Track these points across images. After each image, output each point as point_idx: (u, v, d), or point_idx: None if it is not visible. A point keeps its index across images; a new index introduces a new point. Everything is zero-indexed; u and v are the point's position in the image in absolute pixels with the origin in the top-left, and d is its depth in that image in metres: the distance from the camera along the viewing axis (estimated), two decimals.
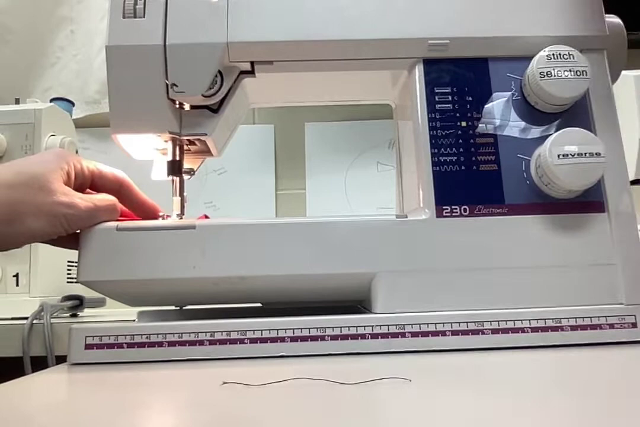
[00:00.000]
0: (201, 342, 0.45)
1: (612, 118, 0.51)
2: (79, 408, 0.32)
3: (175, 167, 0.54)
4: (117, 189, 0.51)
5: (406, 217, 0.49)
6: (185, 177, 0.56)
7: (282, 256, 0.47)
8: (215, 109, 0.54)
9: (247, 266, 0.47)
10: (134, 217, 0.52)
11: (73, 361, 0.44)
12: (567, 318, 0.46)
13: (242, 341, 0.45)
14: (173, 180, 0.55)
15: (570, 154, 0.46)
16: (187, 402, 0.32)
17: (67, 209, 0.45)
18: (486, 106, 0.51)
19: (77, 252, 0.48)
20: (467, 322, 0.45)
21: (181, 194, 0.55)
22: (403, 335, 0.45)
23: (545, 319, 0.45)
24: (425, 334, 0.45)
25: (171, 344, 0.45)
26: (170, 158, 0.54)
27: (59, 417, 0.30)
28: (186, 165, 0.57)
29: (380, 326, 0.45)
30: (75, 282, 0.48)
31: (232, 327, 0.45)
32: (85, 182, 0.50)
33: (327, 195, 1.30)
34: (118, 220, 0.49)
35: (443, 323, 0.45)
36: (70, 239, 0.48)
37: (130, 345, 0.45)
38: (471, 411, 0.28)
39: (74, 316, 0.86)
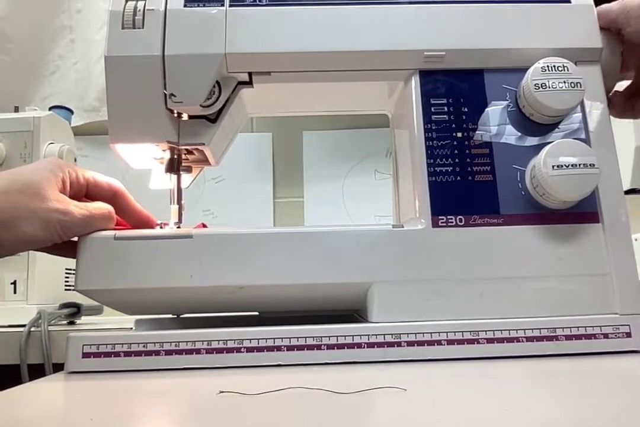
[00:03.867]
0: (198, 351, 0.45)
1: (607, 129, 0.51)
2: (76, 417, 0.32)
3: (173, 165, 0.54)
4: (112, 198, 0.51)
5: (402, 227, 0.49)
6: (183, 184, 0.56)
7: (278, 265, 0.47)
8: (213, 119, 0.54)
9: (244, 276, 0.47)
10: (129, 227, 0.52)
11: (70, 370, 0.44)
12: (562, 328, 0.46)
13: (238, 350, 0.45)
14: (171, 190, 0.55)
15: (565, 165, 0.47)
16: (184, 411, 0.32)
17: (62, 215, 0.45)
18: (482, 117, 0.51)
19: (74, 259, 0.48)
20: (462, 332, 0.46)
21: (179, 203, 0.55)
22: (399, 344, 0.45)
23: (540, 329, 0.46)
24: (421, 343, 0.45)
25: (168, 352, 0.45)
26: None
27: (55, 426, 0.30)
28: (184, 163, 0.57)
29: (376, 335, 0.45)
30: (73, 290, 0.48)
31: (229, 336, 0.45)
32: (81, 191, 0.50)
33: (324, 203, 1.30)
34: (114, 229, 0.49)
35: (439, 332, 0.46)
36: (67, 247, 0.48)
37: (127, 354, 0.45)
38: (466, 420, 0.28)
39: (72, 323, 0.86)
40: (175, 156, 0.54)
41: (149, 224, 0.53)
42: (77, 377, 0.43)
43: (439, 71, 0.53)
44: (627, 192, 0.91)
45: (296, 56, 0.52)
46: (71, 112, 1.09)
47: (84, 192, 0.50)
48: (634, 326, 0.46)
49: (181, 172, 0.56)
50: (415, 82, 0.53)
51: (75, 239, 0.48)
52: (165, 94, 0.51)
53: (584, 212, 0.49)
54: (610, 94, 0.57)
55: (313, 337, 0.45)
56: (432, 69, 0.53)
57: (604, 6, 0.54)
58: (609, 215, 0.49)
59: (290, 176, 1.34)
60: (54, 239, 0.46)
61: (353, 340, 0.45)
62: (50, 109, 1.02)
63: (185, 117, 0.53)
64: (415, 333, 0.46)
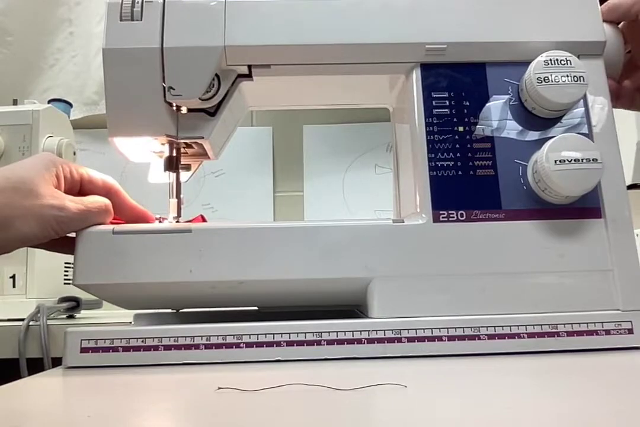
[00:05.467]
0: (197, 346, 0.45)
1: (609, 123, 0.51)
2: (74, 413, 0.31)
3: (172, 163, 0.54)
4: (105, 194, 0.50)
5: (403, 222, 0.49)
6: (183, 179, 0.56)
7: (278, 260, 0.47)
8: (213, 112, 0.54)
9: (243, 270, 0.47)
10: (124, 222, 0.52)
11: (68, 365, 0.44)
12: (564, 324, 0.46)
13: (238, 345, 0.45)
14: (170, 184, 0.55)
15: (568, 160, 0.46)
16: (183, 408, 0.32)
17: (58, 211, 0.45)
18: (483, 111, 0.51)
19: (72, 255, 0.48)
20: (463, 328, 0.45)
21: (178, 196, 0.55)
22: (399, 340, 0.45)
23: (541, 325, 0.45)
24: (421, 339, 0.45)
25: (167, 347, 0.45)
26: None
27: (53, 422, 0.30)
28: (183, 161, 0.56)
29: (377, 330, 0.45)
30: (72, 284, 0.48)
31: (228, 331, 0.45)
32: (75, 186, 0.49)
33: (325, 198, 1.30)
34: (111, 223, 0.49)
35: (439, 328, 0.45)
36: (64, 244, 0.48)
37: (126, 349, 0.45)
38: (467, 417, 0.28)
39: (71, 317, 0.86)
40: (174, 151, 0.54)
41: (144, 220, 0.52)
42: (75, 372, 0.43)
43: (441, 64, 0.52)
44: (629, 187, 0.90)
45: (296, 49, 0.52)
46: (70, 105, 1.08)
47: (78, 188, 0.50)
48: (636, 322, 0.46)
49: (180, 170, 0.55)
50: (416, 76, 0.52)
51: (73, 234, 0.48)
52: (164, 87, 0.51)
53: (586, 207, 0.49)
54: (618, 86, 0.57)
55: (313, 332, 0.45)
56: (433, 62, 0.52)
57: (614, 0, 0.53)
58: (611, 210, 0.49)
59: (290, 170, 1.33)
60: (51, 236, 0.45)
61: (353, 336, 0.45)
62: (49, 102, 1.02)
63: (184, 110, 0.53)
64: (416, 329, 0.45)
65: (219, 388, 0.34)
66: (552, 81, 0.48)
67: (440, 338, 0.45)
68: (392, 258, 0.48)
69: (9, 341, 0.70)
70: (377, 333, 0.45)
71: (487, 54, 0.52)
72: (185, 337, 0.45)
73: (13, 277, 0.86)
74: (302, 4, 0.52)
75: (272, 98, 0.64)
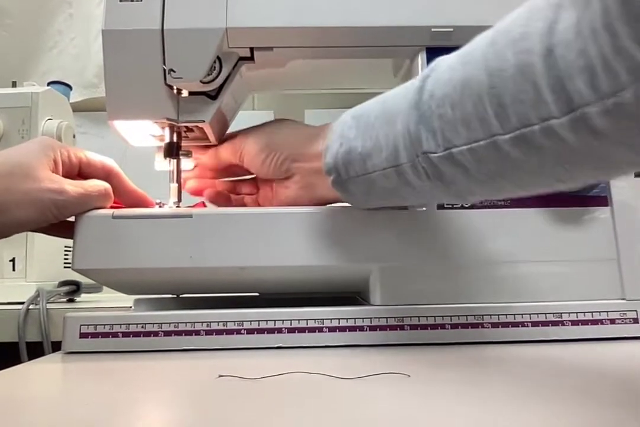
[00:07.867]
0: (197, 333, 0.44)
1: None
2: (73, 399, 0.31)
3: (172, 150, 0.53)
4: (105, 178, 0.50)
5: (406, 209, 0.48)
6: (187, 166, 0.55)
7: (280, 246, 0.47)
8: (214, 96, 0.53)
9: (245, 257, 0.46)
10: (124, 206, 0.51)
11: (67, 350, 0.44)
12: (568, 313, 0.45)
13: (239, 332, 0.44)
14: (171, 169, 0.54)
15: None
16: (182, 396, 0.32)
17: (56, 195, 0.44)
18: None
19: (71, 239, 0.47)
20: (466, 316, 0.45)
21: (179, 181, 0.54)
22: (402, 328, 0.45)
23: (545, 314, 0.45)
24: (424, 327, 0.45)
25: (167, 333, 0.44)
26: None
27: (52, 408, 0.29)
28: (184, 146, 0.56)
29: (379, 318, 0.45)
30: (71, 269, 0.48)
31: (229, 318, 0.45)
32: (73, 170, 0.49)
33: None
34: (111, 207, 0.49)
35: (442, 316, 0.45)
36: (64, 228, 0.48)
37: (126, 334, 0.44)
38: (470, 406, 0.27)
39: (71, 301, 0.85)
40: (175, 135, 0.53)
41: (144, 204, 0.52)
42: (74, 358, 0.43)
43: (447, 48, 0.51)
44: (637, 175, 0.90)
45: (299, 31, 0.51)
46: (70, 87, 1.07)
47: (76, 171, 0.49)
48: None
49: (181, 157, 0.54)
50: (422, 60, 0.51)
51: (72, 218, 0.47)
52: (165, 70, 0.50)
53: (593, 195, 0.48)
54: None
55: (314, 319, 0.45)
56: (439, 46, 0.51)
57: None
58: (618, 199, 0.48)
59: None
60: (50, 220, 0.45)
61: (355, 323, 0.45)
62: (48, 84, 1.01)
63: (185, 93, 0.52)
64: (419, 317, 0.45)
65: (220, 376, 0.33)
66: None
67: (443, 326, 0.45)
68: (395, 245, 0.47)
69: (8, 324, 0.70)
70: (379, 320, 0.45)
71: None
72: (186, 323, 0.44)
73: (13, 260, 0.86)
74: None
75: (274, 81, 0.63)
